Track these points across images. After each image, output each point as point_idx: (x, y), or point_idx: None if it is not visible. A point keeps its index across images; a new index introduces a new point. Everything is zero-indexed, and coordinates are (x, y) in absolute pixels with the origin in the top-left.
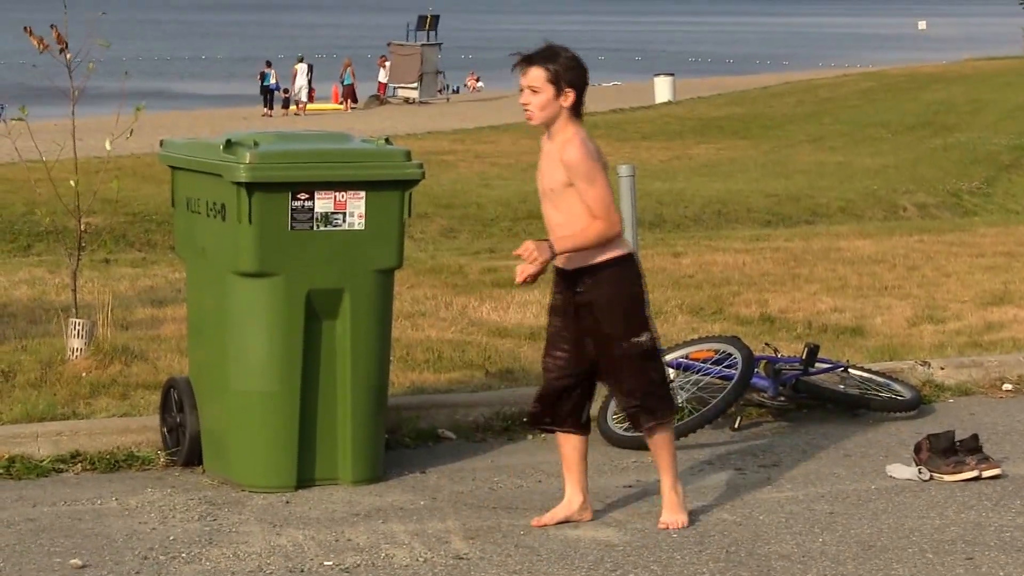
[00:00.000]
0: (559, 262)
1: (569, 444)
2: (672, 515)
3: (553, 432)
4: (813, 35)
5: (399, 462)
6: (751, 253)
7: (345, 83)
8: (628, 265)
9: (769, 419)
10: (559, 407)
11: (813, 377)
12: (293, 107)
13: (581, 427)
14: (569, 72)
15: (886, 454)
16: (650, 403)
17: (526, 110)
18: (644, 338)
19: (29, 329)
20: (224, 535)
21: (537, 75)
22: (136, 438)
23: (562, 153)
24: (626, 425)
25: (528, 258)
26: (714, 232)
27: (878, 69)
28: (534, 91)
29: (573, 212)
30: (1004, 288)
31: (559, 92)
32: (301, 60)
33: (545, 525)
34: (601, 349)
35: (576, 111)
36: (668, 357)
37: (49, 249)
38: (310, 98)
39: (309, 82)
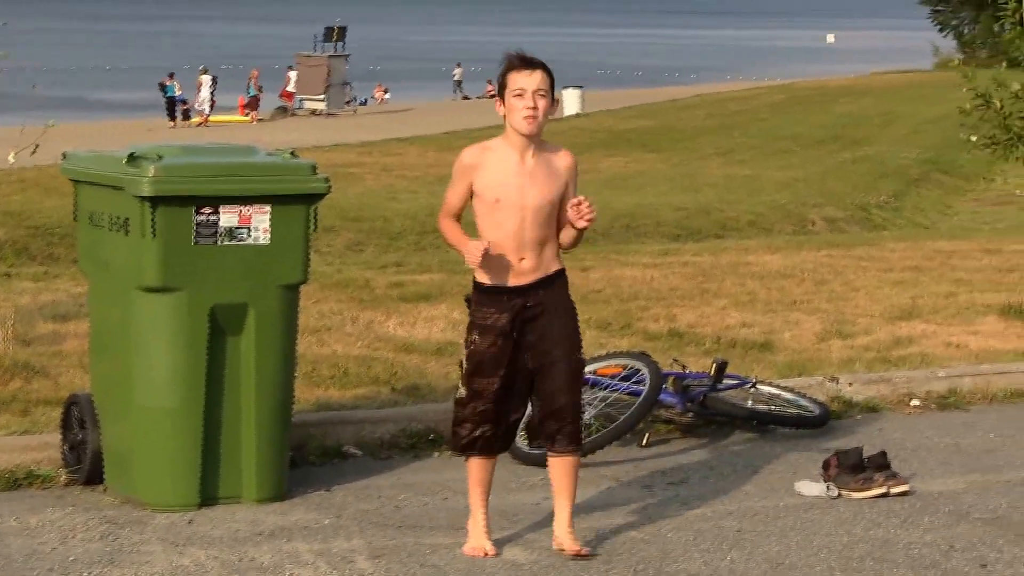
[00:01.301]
0: (513, 278)
1: (488, 467)
2: (577, 542)
3: (485, 457)
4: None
5: (304, 480)
6: (660, 268)
7: (250, 94)
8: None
9: (677, 435)
10: (494, 431)
11: (721, 393)
12: (196, 119)
13: (505, 447)
14: (554, 81)
15: (795, 471)
16: (577, 426)
17: (531, 115)
18: (582, 355)
19: None
20: (126, 555)
21: (545, 79)
22: (37, 456)
23: (565, 161)
24: (537, 443)
25: (593, 212)
26: (623, 246)
27: (788, 82)
28: (542, 95)
29: (551, 227)
30: (912, 303)
31: (553, 102)
32: (205, 72)
33: (489, 555)
34: (546, 363)
35: None
36: None
37: None
38: (213, 109)
39: (212, 93)
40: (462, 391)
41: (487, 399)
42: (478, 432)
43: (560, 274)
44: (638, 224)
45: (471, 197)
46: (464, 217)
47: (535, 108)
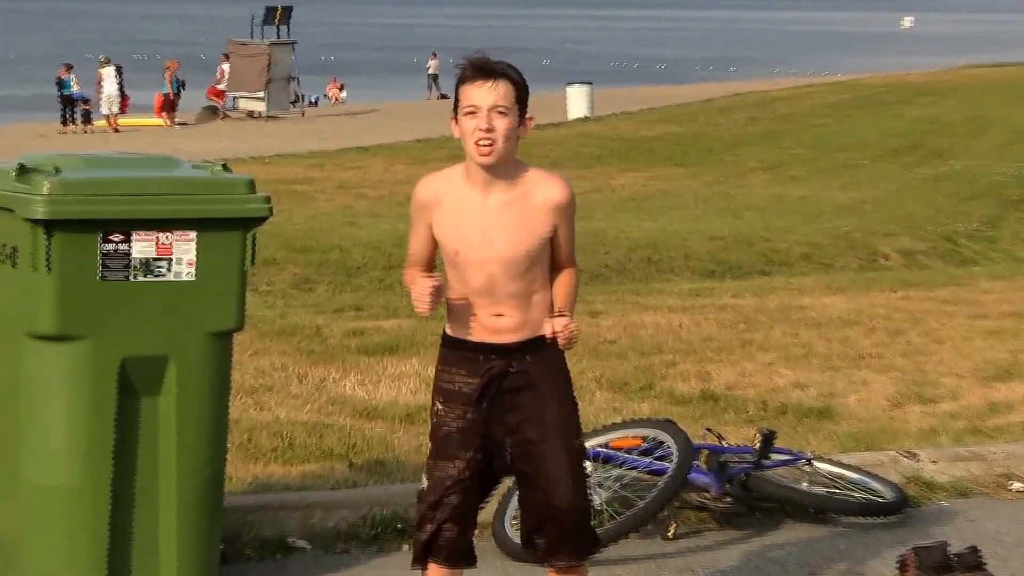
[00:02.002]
0: (490, 334)
1: None
2: None
3: (446, 568)
4: (770, 35)
5: None
6: (690, 312)
7: (166, 91)
8: None
9: (712, 525)
10: (461, 535)
11: (768, 472)
12: (103, 122)
13: (473, 559)
14: (527, 92)
15: (862, 571)
16: (584, 533)
17: (487, 141)
18: (581, 440)
19: None
20: None
21: (508, 91)
22: None
23: (549, 196)
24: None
25: (568, 336)
26: (643, 285)
27: (852, 78)
28: (503, 113)
29: (535, 276)
30: (1012, 359)
31: (522, 118)
32: (107, 62)
33: None
34: (533, 453)
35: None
36: (586, 445)
37: None
38: (123, 109)
39: (120, 88)
40: (424, 480)
41: (451, 489)
42: (439, 534)
43: (550, 341)
44: (662, 257)
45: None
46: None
47: (490, 131)
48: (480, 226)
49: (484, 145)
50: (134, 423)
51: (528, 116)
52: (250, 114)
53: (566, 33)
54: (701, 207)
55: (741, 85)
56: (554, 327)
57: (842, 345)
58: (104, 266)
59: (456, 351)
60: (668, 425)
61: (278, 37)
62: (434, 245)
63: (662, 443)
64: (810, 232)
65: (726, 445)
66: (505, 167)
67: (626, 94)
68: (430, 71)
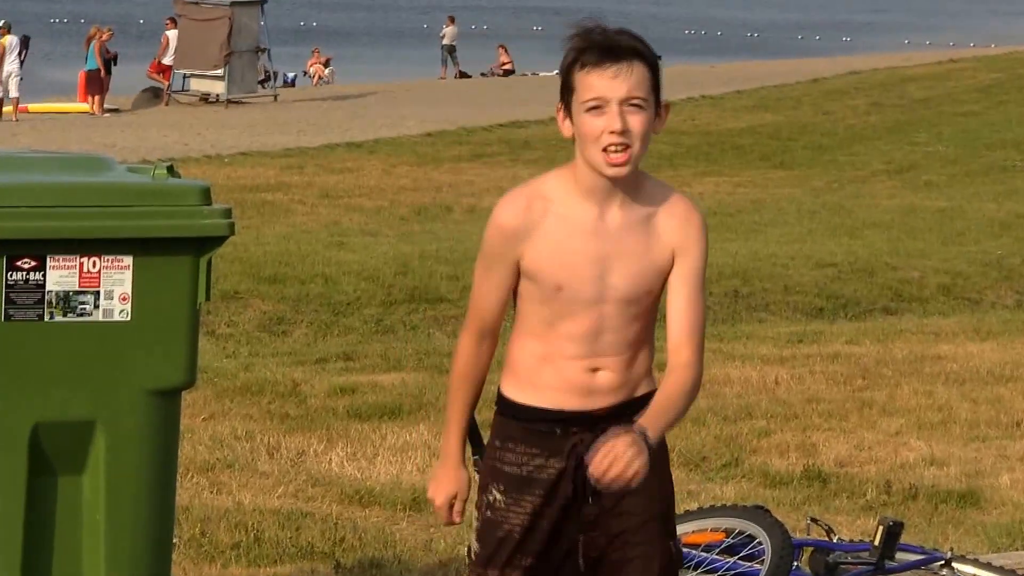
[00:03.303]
0: (578, 398)
1: None
2: None
3: None
4: None
5: None
6: (790, 364)
7: (91, 68)
8: None
9: None
10: None
11: (894, 575)
12: (9, 107)
13: None
14: (659, 71)
15: None
16: None
17: (620, 146)
18: (679, 541)
19: None
20: None
21: (643, 76)
22: None
23: (679, 218)
24: None
25: (619, 468)
26: (728, 328)
27: (1010, 50)
28: (638, 107)
29: (648, 322)
30: None
31: (657, 108)
32: (8, 31)
33: None
34: (616, 555)
35: None
36: None
37: None
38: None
39: (21, 64)
40: None
41: None
42: None
43: (651, 399)
44: (754, 290)
45: (518, 282)
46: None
47: (625, 132)
48: (596, 253)
49: (617, 152)
50: (49, 511)
51: (663, 103)
52: (205, 97)
53: None
54: (807, 224)
55: (860, 60)
56: (598, 456)
57: (993, 408)
58: (9, 301)
59: (521, 421)
60: (760, 514)
61: None
62: (512, 290)
63: (752, 538)
64: (951, 257)
65: (837, 541)
66: (632, 177)
67: (706, 72)
68: (445, 41)
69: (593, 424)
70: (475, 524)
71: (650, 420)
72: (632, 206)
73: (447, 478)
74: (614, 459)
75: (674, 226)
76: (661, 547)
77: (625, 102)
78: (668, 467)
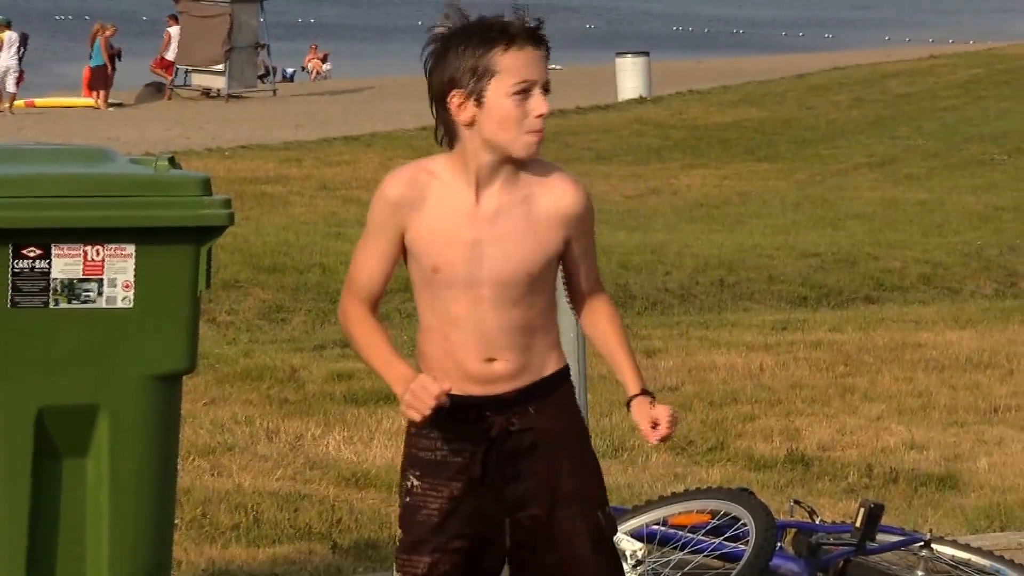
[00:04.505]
0: (480, 385)
1: None
2: None
3: None
4: None
5: None
6: (774, 351)
7: (95, 63)
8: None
9: None
10: None
11: (874, 557)
12: (19, 102)
13: None
14: None
15: None
16: None
17: (539, 131)
18: (607, 511)
19: None
20: None
21: (546, 64)
22: None
23: (561, 201)
24: None
25: (666, 429)
26: (713, 316)
27: (988, 46)
28: (547, 91)
29: (537, 304)
30: None
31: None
32: (8, 26)
33: None
34: (544, 531)
35: None
36: (636, 522)
37: None
38: (18, 84)
39: (20, 61)
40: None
41: None
42: None
43: (561, 377)
44: (739, 279)
45: (403, 259)
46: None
47: (543, 117)
48: (470, 237)
49: (536, 137)
50: (54, 493)
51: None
52: (206, 92)
53: None
54: (790, 215)
55: (842, 56)
56: (657, 418)
57: (971, 394)
58: (16, 289)
59: (437, 410)
60: (744, 497)
61: None
62: (392, 269)
63: (736, 519)
64: (931, 248)
65: (819, 522)
66: (514, 161)
67: (693, 68)
68: None
69: (503, 406)
70: (398, 512)
71: (638, 376)
72: (512, 190)
73: (423, 381)
74: (671, 419)
75: (559, 210)
76: (588, 520)
77: (544, 86)
78: (589, 444)
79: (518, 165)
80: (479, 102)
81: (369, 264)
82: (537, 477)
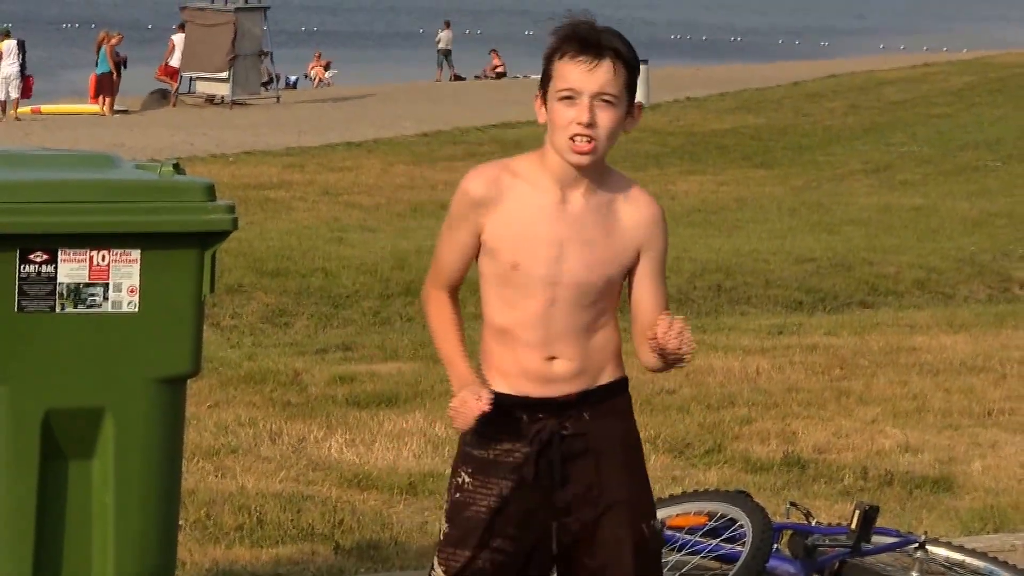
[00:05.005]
0: (538, 386)
1: None
2: None
3: None
4: None
5: None
6: (771, 355)
7: (101, 71)
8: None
9: None
10: None
11: (869, 559)
12: (26, 108)
13: None
14: (637, 74)
15: None
16: None
17: (585, 136)
18: (657, 523)
19: None
20: None
21: (619, 74)
22: None
23: (640, 213)
24: None
25: (685, 341)
26: (711, 320)
27: (982, 54)
28: (609, 103)
29: (605, 310)
30: None
31: (629, 109)
32: (8, 35)
33: None
34: (591, 537)
35: None
36: None
37: None
38: (25, 92)
39: (22, 69)
40: (437, 571)
41: None
42: None
43: (619, 387)
44: (736, 284)
45: (478, 254)
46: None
47: (591, 126)
48: (554, 235)
49: (582, 145)
50: (60, 494)
51: (637, 104)
52: (211, 99)
53: None
54: (787, 221)
55: (838, 64)
56: (667, 325)
57: (965, 397)
58: (23, 293)
59: (493, 409)
60: (741, 499)
61: (246, 1)
62: (472, 260)
63: (733, 521)
64: (926, 253)
65: (815, 524)
66: (596, 167)
67: (691, 75)
68: (441, 45)
69: (558, 410)
70: (445, 506)
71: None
72: (595, 195)
73: (468, 385)
74: (685, 335)
75: (636, 220)
76: (634, 529)
77: (597, 96)
78: (642, 453)
79: (598, 175)
80: (546, 105)
81: (449, 255)
82: (586, 483)
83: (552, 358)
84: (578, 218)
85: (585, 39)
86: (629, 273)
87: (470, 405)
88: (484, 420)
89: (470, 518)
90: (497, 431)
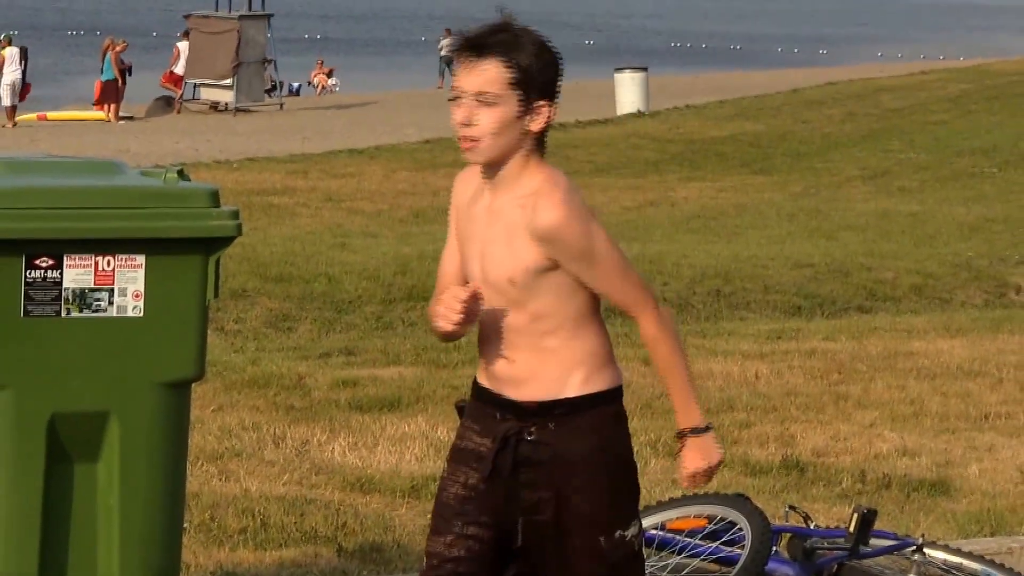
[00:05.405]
0: (503, 385)
1: None
2: None
3: None
4: (871, 5)
5: None
6: (769, 359)
7: (106, 78)
8: (618, 406)
9: None
10: None
11: (867, 561)
12: (31, 115)
13: None
14: (544, 71)
15: None
16: None
17: (465, 135)
18: (631, 531)
19: None
20: None
21: (494, 73)
22: None
23: (534, 215)
24: None
25: (702, 471)
26: (710, 325)
27: (978, 62)
28: (486, 102)
29: (544, 317)
30: None
31: (527, 107)
32: (10, 42)
33: None
34: (556, 545)
35: (542, 140)
36: None
37: None
38: (22, 96)
39: (24, 75)
40: (424, 559)
41: (440, 570)
42: None
43: (587, 402)
44: (735, 289)
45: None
46: None
47: (468, 125)
48: (474, 234)
49: (462, 139)
50: (66, 496)
51: (541, 103)
52: (215, 106)
53: (616, 5)
54: (785, 226)
55: (836, 71)
56: (686, 468)
57: (962, 401)
58: (29, 298)
59: (476, 400)
60: (740, 502)
61: (250, 9)
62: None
63: (732, 524)
64: (923, 259)
65: (814, 527)
66: (510, 167)
67: (691, 83)
68: (443, 53)
69: (522, 414)
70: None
71: (682, 414)
72: (503, 196)
73: (453, 289)
74: (705, 476)
75: (531, 226)
76: (590, 542)
77: (475, 96)
78: (622, 471)
79: (514, 175)
80: None
81: (445, 260)
82: (550, 491)
83: (500, 356)
84: (492, 218)
85: (469, 40)
86: (548, 273)
87: (456, 294)
88: (468, 411)
89: (443, 503)
90: (472, 421)
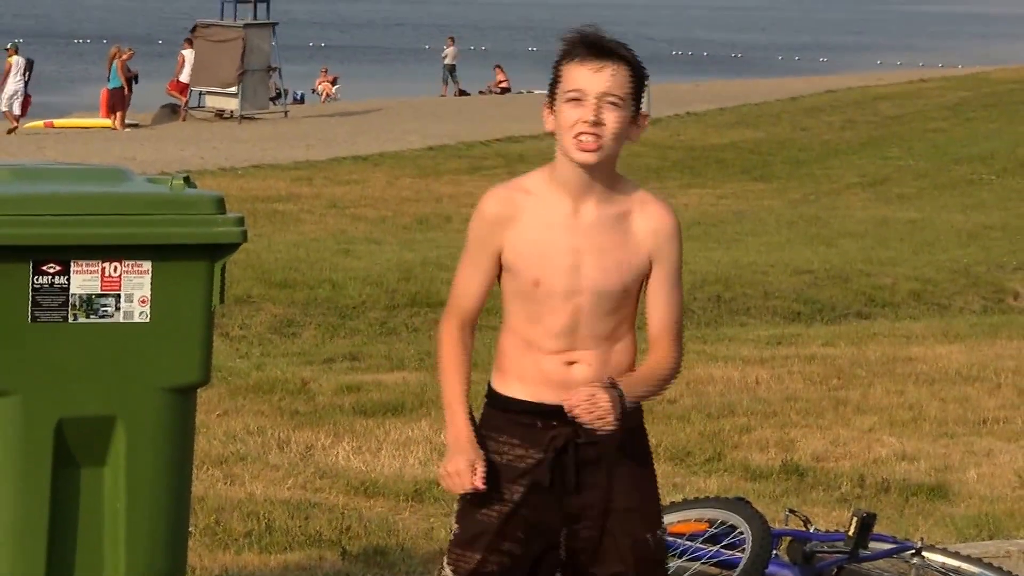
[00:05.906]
0: (556, 391)
1: None
2: None
3: None
4: (870, 15)
5: None
6: (770, 365)
7: (113, 85)
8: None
9: None
10: None
11: (866, 564)
12: (38, 122)
13: None
14: (644, 83)
15: None
16: None
17: (590, 134)
18: (664, 532)
19: None
20: None
21: (625, 78)
22: None
23: (653, 221)
24: None
25: (596, 413)
26: (711, 331)
27: (976, 71)
28: (615, 104)
29: (624, 317)
30: None
31: (635, 116)
32: (15, 51)
33: None
34: (597, 546)
35: None
36: None
37: None
38: (24, 108)
39: (26, 85)
40: (446, 571)
41: None
42: None
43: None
44: (735, 295)
45: (499, 276)
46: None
47: (598, 124)
48: (570, 246)
49: (587, 142)
50: (73, 501)
51: (643, 113)
52: (220, 114)
53: (615, 12)
54: (785, 233)
55: (836, 79)
56: (575, 396)
57: (960, 406)
58: (36, 304)
59: (507, 413)
60: (741, 506)
61: (254, 17)
62: (491, 286)
63: (733, 528)
64: (921, 265)
65: (813, 531)
66: (605, 174)
67: (691, 90)
68: (446, 60)
69: (572, 418)
70: (456, 507)
71: (628, 385)
72: (607, 203)
73: (463, 450)
74: (592, 405)
75: (649, 229)
76: (639, 539)
77: (603, 98)
78: (652, 466)
79: (609, 183)
80: (553, 111)
81: (468, 282)
82: (597, 491)
83: (572, 363)
84: (591, 227)
85: (592, 43)
86: (645, 281)
87: (464, 479)
88: (500, 408)
89: (480, 520)
90: (511, 436)
